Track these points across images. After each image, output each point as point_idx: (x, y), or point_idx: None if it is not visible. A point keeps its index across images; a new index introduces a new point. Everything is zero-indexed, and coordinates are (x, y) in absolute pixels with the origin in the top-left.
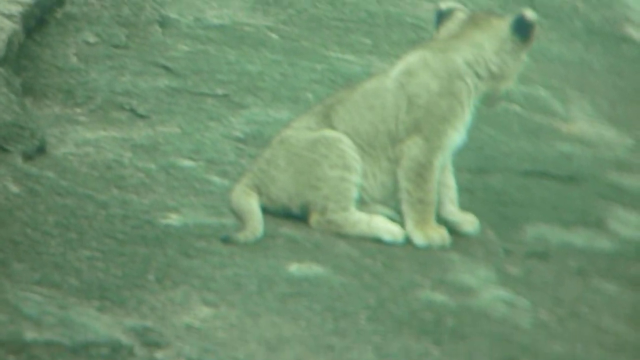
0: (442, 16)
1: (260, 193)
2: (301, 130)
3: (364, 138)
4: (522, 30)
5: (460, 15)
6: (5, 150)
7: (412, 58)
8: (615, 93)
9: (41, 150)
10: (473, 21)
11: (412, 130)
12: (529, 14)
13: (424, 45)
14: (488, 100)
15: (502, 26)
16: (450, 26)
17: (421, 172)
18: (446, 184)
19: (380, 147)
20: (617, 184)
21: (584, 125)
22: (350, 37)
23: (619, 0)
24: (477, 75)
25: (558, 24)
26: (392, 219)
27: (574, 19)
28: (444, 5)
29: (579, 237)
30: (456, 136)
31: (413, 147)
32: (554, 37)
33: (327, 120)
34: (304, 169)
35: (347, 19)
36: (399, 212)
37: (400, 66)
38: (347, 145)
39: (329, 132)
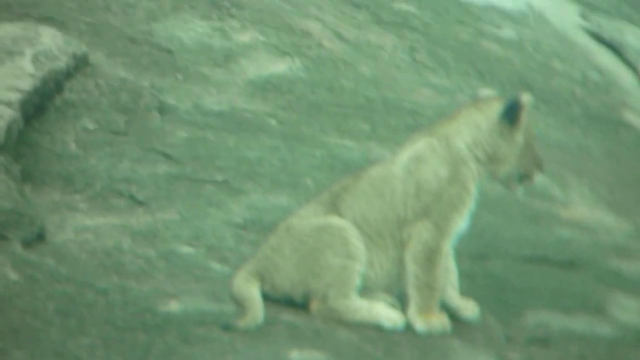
0: None
1: (263, 280)
2: (307, 219)
3: (372, 226)
4: (510, 112)
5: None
6: (4, 237)
7: (419, 145)
8: (613, 178)
9: (40, 237)
10: (475, 103)
11: (420, 214)
12: (525, 97)
13: (428, 131)
14: (505, 184)
15: (496, 108)
16: None
17: (430, 257)
18: (447, 269)
19: (388, 234)
20: (617, 270)
21: (583, 210)
22: (349, 123)
23: (617, 86)
24: (477, 159)
25: (556, 109)
26: (392, 305)
27: (572, 104)
28: (481, 93)
29: (579, 323)
30: (462, 222)
31: (423, 232)
32: (552, 123)
33: (334, 208)
34: (308, 256)
35: (345, 104)
36: (400, 297)
37: (407, 153)
38: (352, 234)
39: (334, 220)
